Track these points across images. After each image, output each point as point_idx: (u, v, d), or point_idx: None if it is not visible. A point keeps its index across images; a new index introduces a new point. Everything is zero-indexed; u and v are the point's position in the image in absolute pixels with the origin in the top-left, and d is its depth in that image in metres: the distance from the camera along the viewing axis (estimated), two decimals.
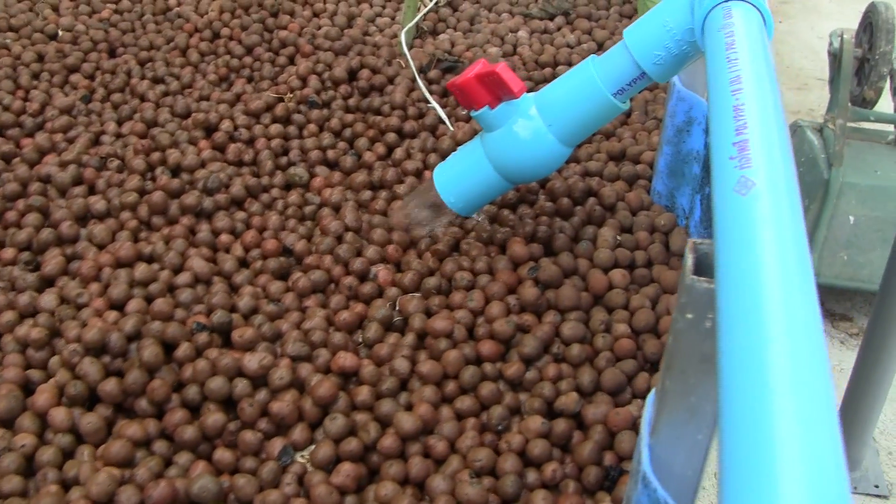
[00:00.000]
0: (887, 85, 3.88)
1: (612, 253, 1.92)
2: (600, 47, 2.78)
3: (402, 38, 2.59)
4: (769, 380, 0.75)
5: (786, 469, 0.67)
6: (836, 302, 4.16)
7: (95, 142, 2.35)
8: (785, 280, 0.85)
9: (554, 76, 2.51)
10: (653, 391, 1.22)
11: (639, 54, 1.66)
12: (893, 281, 2.79)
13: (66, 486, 1.52)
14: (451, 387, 1.68)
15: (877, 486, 3.34)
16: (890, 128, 4.07)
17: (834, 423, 0.72)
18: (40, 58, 2.67)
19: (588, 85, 1.73)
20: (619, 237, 1.98)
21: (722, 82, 1.24)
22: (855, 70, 3.91)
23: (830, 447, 0.69)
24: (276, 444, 1.59)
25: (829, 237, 3.70)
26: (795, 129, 4.06)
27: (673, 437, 1.17)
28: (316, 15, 2.95)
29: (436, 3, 2.98)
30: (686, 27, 1.58)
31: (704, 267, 1.07)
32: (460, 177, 1.88)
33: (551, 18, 3.00)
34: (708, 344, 1.07)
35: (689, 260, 1.07)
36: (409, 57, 2.56)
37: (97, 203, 2.08)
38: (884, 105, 4.15)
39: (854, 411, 3.17)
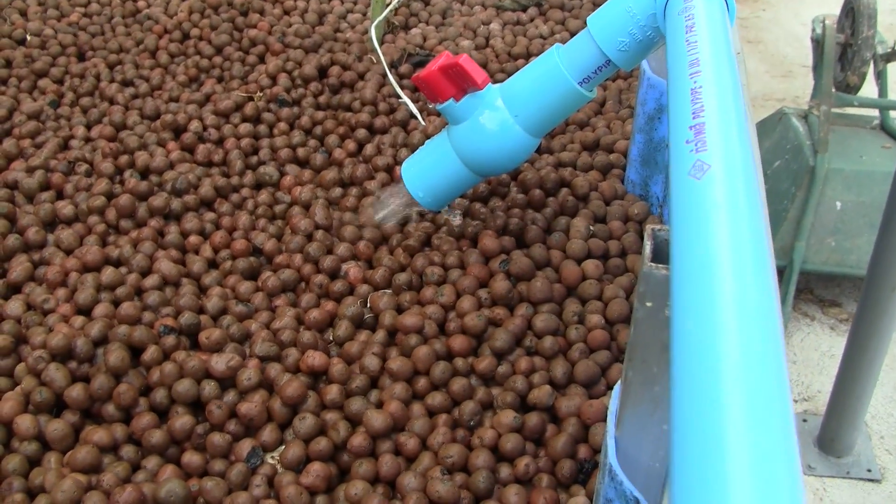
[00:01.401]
0: (870, 70, 3.87)
1: (584, 243, 1.90)
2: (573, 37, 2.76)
3: (373, 33, 2.57)
4: (720, 368, 0.73)
5: (735, 461, 0.65)
6: (825, 288, 4.15)
7: (64, 146, 2.33)
8: (738, 265, 0.83)
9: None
10: (618, 383, 1.20)
11: (603, 41, 1.64)
12: (880, 266, 2.78)
13: (32, 494, 1.50)
14: (422, 383, 1.66)
15: (869, 471, 3.33)
16: (874, 112, 4.07)
17: (786, 411, 0.70)
18: (8, 63, 2.65)
19: (553, 74, 1.71)
20: (592, 227, 1.96)
21: (681, 66, 1.22)
22: (838, 56, 3.90)
23: (782, 437, 0.67)
24: (245, 446, 1.57)
25: (817, 223, 3.70)
26: (781, 117, 4.05)
27: (638, 429, 1.15)
28: (286, 13, 2.92)
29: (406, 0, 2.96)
30: (649, 12, 1.57)
31: (663, 254, 1.05)
32: (428, 171, 1.85)
33: (524, 10, 2.98)
34: (668, 333, 1.05)
35: (648, 247, 1.06)
36: (379, 52, 2.54)
37: (65, 208, 2.05)
38: (868, 90, 4.14)
39: (845, 396, 3.16)
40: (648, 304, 1.05)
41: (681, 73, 1.20)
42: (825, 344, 3.97)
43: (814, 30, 3.93)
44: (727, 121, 1.06)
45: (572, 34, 2.78)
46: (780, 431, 0.67)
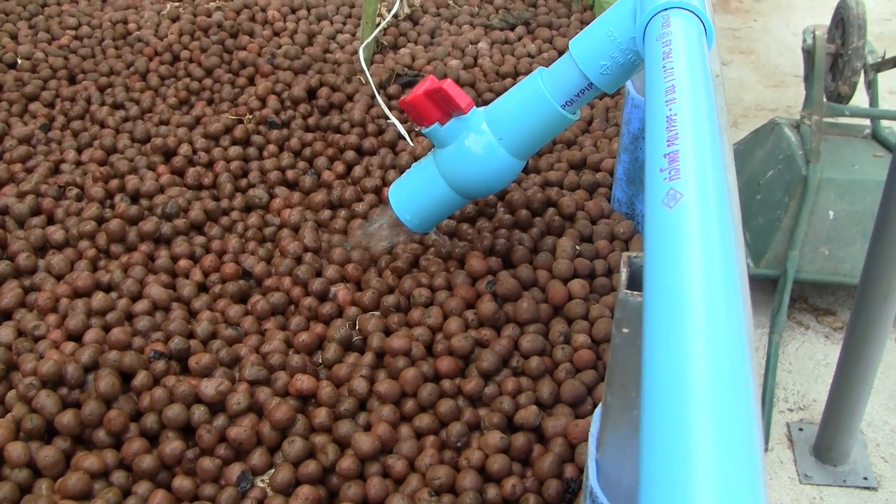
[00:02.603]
0: (861, 79, 3.89)
1: (571, 263, 1.91)
2: (561, 55, 2.77)
3: (361, 54, 2.58)
4: (688, 398, 0.75)
5: (702, 490, 0.66)
6: (819, 297, 4.16)
7: (55, 171, 2.34)
8: (709, 296, 0.84)
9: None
10: (599, 406, 1.22)
11: (585, 65, 1.65)
12: (873, 274, 2.79)
13: None
14: (409, 405, 1.68)
15: (865, 479, 3.34)
16: (866, 122, 4.08)
17: (753, 441, 0.72)
18: (18, 86, 2.66)
19: (536, 98, 1.73)
20: (578, 247, 1.97)
21: (657, 92, 1.23)
22: (829, 66, 3.92)
23: (748, 467, 0.69)
24: (235, 470, 1.58)
25: (810, 233, 3.71)
26: (773, 127, 4.07)
27: (619, 452, 1.16)
28: (276, 34, 2.94)
29: (395, 18, 2.97)
30: (629, 36, 1.58)
31: (639, 281, 1.06)
32: (414, 194, 1.87)
33: (512, 29, 3.00)
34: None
35: (624, 274, 1.07)
36: (368, 73, 2.55)
37: (55, 233, 2.07)
38: (859, 100, 4.16)
39: (840, 405, 3.17)
40: (625, 330, 1.06)
41: (657, 100, 1.21)
42: (820, 352, 3.98)
43: (804, 40, 3.95)
44: (701, 149, 1.07)
45: (560, 52, 2.80)
46: (747, 461, 0.69)
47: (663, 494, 0.68)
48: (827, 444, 3.34)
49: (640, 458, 0.74)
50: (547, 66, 1.78)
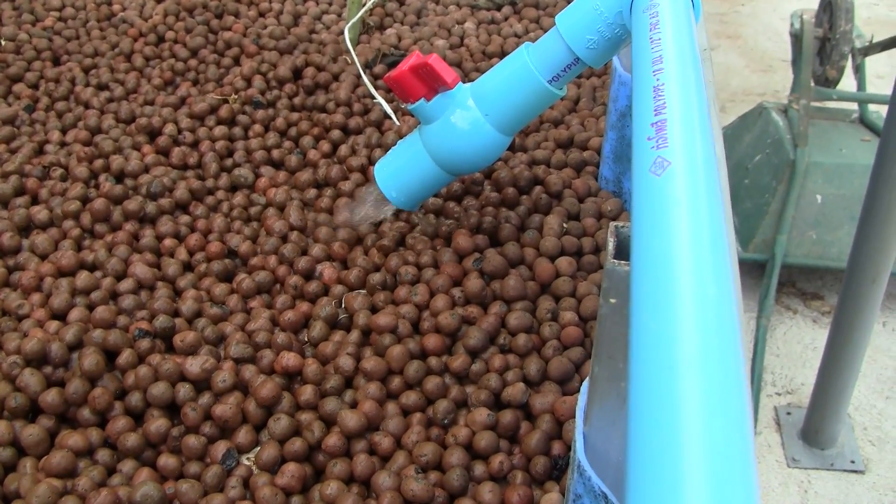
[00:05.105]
0: (849, 64, 3.90)
1: (558, 241, 1.90)
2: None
3: (347, 34, 2.57)
4: (677, 363, 0.74)
5: (690, 457, 0.66)
6: (807, 281, 4.17)
7: (39, 151, 2.33)
8: (697, 261, 0.84)
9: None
10: (586, 379, 1.21)
11: (571, 39, 1.65)
12: (861, 258, 2.80)
13: (7, 500, 1.50)
14: (396, 382, 1.67)
15: (853, 462, 3.36)
16: (853, 106, 4.09)
17: (743, 407, 0.71)
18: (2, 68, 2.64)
19: (523, 73, 1.72)
20: (565, 224, 1.96)
21: (644, 63, 1.23)
22: (816, 50, 3.93)
23: (738, 433, 0.68)
24: (221, 448, 1.57)
25: (798, 217, 3.72)
26: (761, 111, 4.07)
27: (606, 425, 1.16)
28: (262, 14, 2.92)
29: (382, 0, 2.96)
30: (616, 10, 1.57)
31: (626, 251, 1.05)
32: (400, 171, 1.86)
33: (498, 8, 2.99)
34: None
35: (611, 244, 1.06)
36: (353, 53, 2.54)
37: (39, 213, 2.05)
38: (846, 84, 4.16)
39: (828, 389, 3.18)
40: (612, 300, 1.06)
41: (644, 71, 1.20)
42: (808, 337, 3.99)
43: (792, 24, 3.96)
44: (689, 118, 1.07)
45: (546, 31, 2.79)
46: (737, 427, 0.68)
47: (651, 464, 0.67)
48: (815, 427, 3.36)
49: (628, 428, 0.73)
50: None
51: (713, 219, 0.90)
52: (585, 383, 1.22)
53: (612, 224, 1.08)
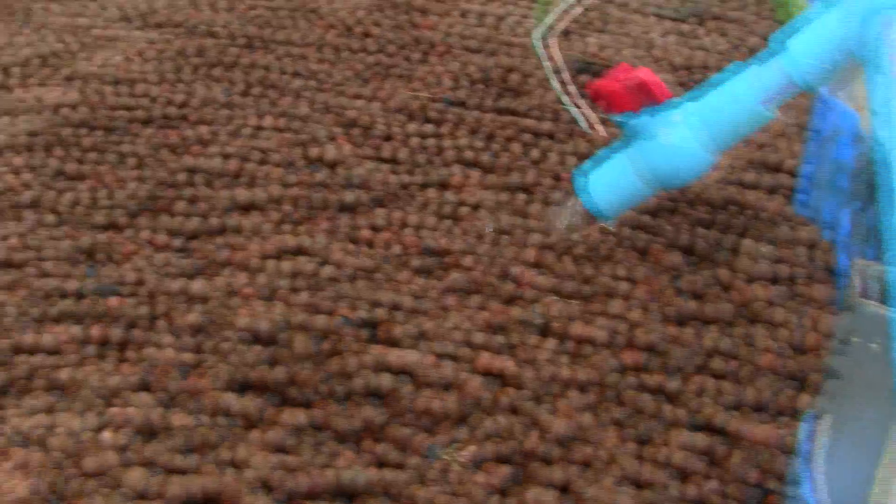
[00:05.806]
0: None
1: (754, 264, 1.90)
2: (736, 48, 2.74)
3: (538, 39, 2.58)
4: None
5: None
6: None
7: (237, 134, 2.40)
8: None
9: (691, 79, 2.49)
10: (810, 414, 1.21)
11: (790, 63, 1.64)
12: None
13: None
14: (596, 394, 1.69)
15: None
16: None
17: None
18: (200, 52, 2.72)
19: (735, 93, 1.72)
20: (761, 248, 1.95)
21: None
22: None
23: None
24: (424, 441, 1.62)
25: None
26: None
27: (837, 465, 1.15)
28: (463, 15, 2.94)
29: (569, 6, 2.96)
30: (854, 40, 1.55)
31: (873, 291, 1.06)
32: (603, 183, 1.87)
33: (685, 20, 2.97)
34: (874, 369, 1.05)
35: (857, 283, 1.07)
36: (545, 58, 2.55)
37: (244, 195, 2.13)
38: None
39: None
40: (855, 339, 1.06)
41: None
42: None
43: None
44: None
45: (735, 44, 2.75)
46: None
47: None
48: None
49: None
50: (723, 58, 1.77)
51: None
52: (808, 419, 1.21)
53: (859, 263, 1.08)
